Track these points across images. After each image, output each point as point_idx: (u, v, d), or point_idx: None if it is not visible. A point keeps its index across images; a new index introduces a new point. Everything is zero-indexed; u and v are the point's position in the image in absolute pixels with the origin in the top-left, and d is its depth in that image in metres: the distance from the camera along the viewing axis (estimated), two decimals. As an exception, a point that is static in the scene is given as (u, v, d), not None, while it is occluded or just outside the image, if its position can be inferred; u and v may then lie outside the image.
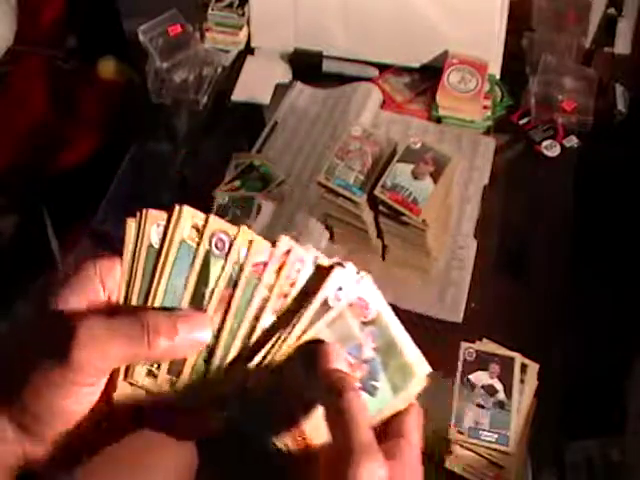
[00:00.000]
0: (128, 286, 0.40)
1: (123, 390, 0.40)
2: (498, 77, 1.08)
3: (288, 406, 0.42)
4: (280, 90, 1.11)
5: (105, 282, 0.39)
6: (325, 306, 0.40)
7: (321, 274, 0.41)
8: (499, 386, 0.72)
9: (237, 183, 0.96)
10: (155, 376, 0.40)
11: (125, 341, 0.37)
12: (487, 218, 0.94)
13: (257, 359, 0.40)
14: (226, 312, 0.40)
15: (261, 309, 0.41)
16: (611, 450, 0.76)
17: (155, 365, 0.40)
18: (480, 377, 0.73)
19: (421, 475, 0.40)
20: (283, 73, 1.13)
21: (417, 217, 0.78)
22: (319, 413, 0.41)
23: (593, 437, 0.77)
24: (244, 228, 0.41)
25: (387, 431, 0.41)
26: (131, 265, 0.40)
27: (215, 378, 0.41)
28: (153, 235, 0.39)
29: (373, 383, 0.42)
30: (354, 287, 0.41)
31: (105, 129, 1.13)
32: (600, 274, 0.88)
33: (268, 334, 0.41)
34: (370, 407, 0.41)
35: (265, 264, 0.41)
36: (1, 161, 1.11)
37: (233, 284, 0.40)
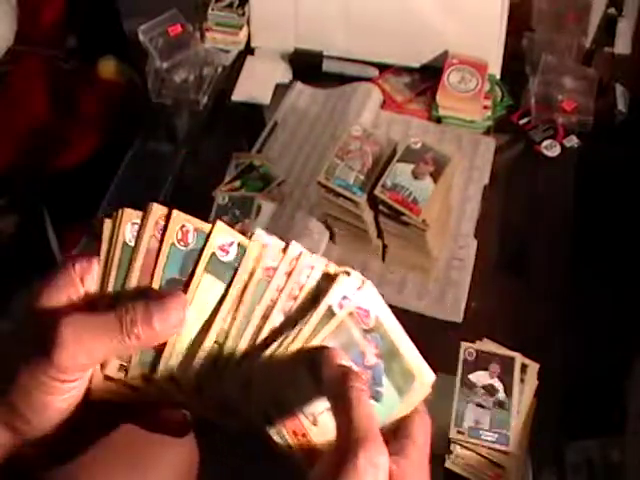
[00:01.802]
0: (103, 281, 0.40)
1: (99, 385, 0.41)
2: (498, 77, 1.07)
3: (292, 409, 0.42)
4: (280, 90, 1.11)
5: (84, 281, 0.40)
6: (329, 313, 0.41)
7: (328, 281, 0.41)
8: (499, 386, 0.72)
9: (237, 183, 0.96)
10: (126, 370, 0.40)
11: (106, 335, 0.38)
12: (487, 218, 0.94)
13: (262, 358, 0.41)
14: (235, 311, 0.41)
15: (269, 309, 0.41)
16: (611, 450, 0.76)
17: (127, 360, 0.40)
18: (480, 377, 0.74)
19: (427, 476, 0.40)
20: (283, 73, 1.13)
21: (417, 217, 0.78)
22: (325, 417, 0.41)
23: (593, 437, 0.77)
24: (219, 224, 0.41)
25: (395, 435, 0.41)
26: (106, 262, 0.40)
27: (219, 374, 0.41)
28: (127, 233, 0.40)
29: (377, 389, 0.42)
30: (356, 295, 0.41)
31: (105, 129, 1.13)
32: (600, 274, 0.88)
33: (275, 334, 0.41)
34: (377, 413, 0.41)
35: (275, 268, 0.41)
36: (1, 161, 1.11)
37: (243, 286, 0.41)
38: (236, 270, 0.41)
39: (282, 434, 0.42)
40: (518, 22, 1.08)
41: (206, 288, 0.40)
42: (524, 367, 0.74)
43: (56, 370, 0.37)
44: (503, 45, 1.06)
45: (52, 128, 1.13)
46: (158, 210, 0.40)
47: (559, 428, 0.77)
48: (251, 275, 0.41)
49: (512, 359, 0.74)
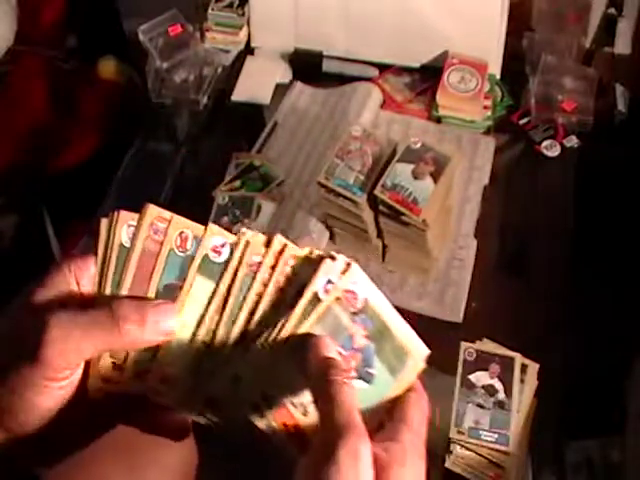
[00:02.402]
0: (100, 283, 0.41)
1: (95, 383, 0.41)
2: (498, 77, 1.08)
3: (282, 400, 0.42)
4: (280, 90, 1.11)
5: (79, 280, 0.40)
6: (315, 300, 0.41)
7: (313, 268, 0.41)
8: (499, 386, 0.72)
9: (237, 183, 0.96)
10: (121, 369, 0.41)
11: (95, 331, 0.38)
12: (487, 218, 0.94)
13: (251, 352, 0.41)
14: (223, 308, 0.41)
15: (256, 304, 0.41)
16: (611, 450, 0.76)
17: (121, 358, 0.41)
18: (480, 377, 0.73)
19: (423, 460, 0.39)
20: (283, 73, 1.13)
21: (417, 217, 0.78)
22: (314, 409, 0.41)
23: (593, 437, 0.77)
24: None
25: (389, 417, 0.41)
26: (102, 264, 0.41)
27: (210, 372, 0.41)
28: (124, 235, 0.40)
29: (368, 370, 0.42)
30: (341, 279, 0.41)
31: (105, 129, 1.13)
32: (600, 274, 0.88)
33: (263, 328, 0.41)
34: (369, 394, 0.41)
35: (260, 263, 0.41)
36: (1, 161, 1.11)
37: (228, 283, 0.41)
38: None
39: (273, 427, 0.42)
40: (518, 22, 1.08)
41: (199, 290, 0.41)
42: (524, 367, 0.74)
43: (45, 369, 0.37)
44: (503, 45, 1.06)
45: (52, 128, 1.13)
46: (154, 211, 0.40)
47: (559, 428, 0.77)
48: (236, 272, 0.41)
49: (512, 359, 0.74)
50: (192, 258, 0.40)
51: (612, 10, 1.12)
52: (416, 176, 0.79)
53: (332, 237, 0.92)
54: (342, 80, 1.10)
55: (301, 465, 0.38)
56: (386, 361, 0.42)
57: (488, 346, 0.76)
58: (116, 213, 0.41)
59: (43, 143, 1.12)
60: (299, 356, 0.40)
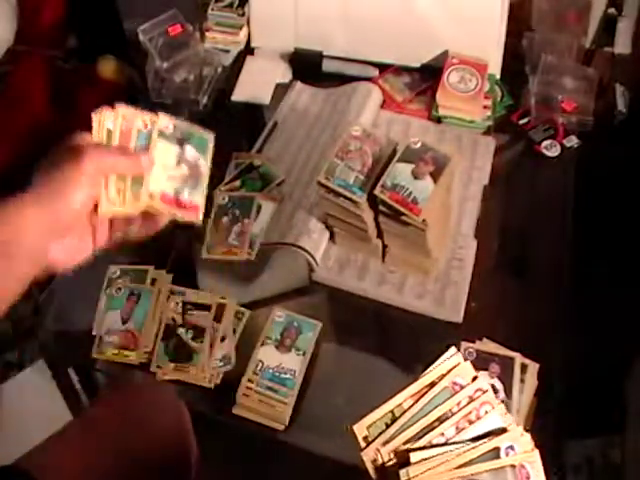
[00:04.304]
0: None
1: (105, 205, 0.57)
2: (498, 77, 1.08)
3: None
4: (280, 90, 1.11)
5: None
6: (494, 454, 0.50)
7: (502, 429, 0.51)
8: (499, 386, 0.72)
9: (237, 183, 0.96)
10: (122, 194, 0.58)
11: (119, 154, 0.58)
12: (487, 218, 0.94)
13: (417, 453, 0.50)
14: (417, 400, 0.52)
15: (445, 416, 0.51)
16: (611, 450, 0.76)
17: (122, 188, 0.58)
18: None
19: None
20: (283, 73, 1.13)
21: (417, 217, 0.78)
22: None
23: (593, 437, 0.77)
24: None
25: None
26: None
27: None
28: (108, 123, 0.59)
29: None
30: (524, 453, 0.51)
31: (105, 129, 1.12)
32: (600, 274, 0.88)
33: (439, 437, 0.51)
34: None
35: (462, 387, 0.51)
36: (1, 161, 1.11)
37: None
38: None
39: None
40: (518, 22, 1.08)
41: (161, 148, 0.60)
42: (524, 367, 0.74)
43: (82, 169, 0.54)
44: (503, 45, 1.06)
45: (52, 128, 1.13)
46: (123, 109, 0.59)
47: (559, 428, 0.77)
48: (439, 380, 0.51)
49: (512, 359, 0.74)
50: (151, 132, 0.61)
51: (612, 10, 1.12)
52: (416, 176, 0.79)
53: (332, 237, 0.92)
54: (342, 80, 1.10)
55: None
56: None
57: (488, 346, 0.76)
58: (103, 110, 0.59)
59: (43, 143, 1.12)
60: None
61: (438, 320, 0.85)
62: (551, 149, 1.01)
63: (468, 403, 0.51)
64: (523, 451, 0.50)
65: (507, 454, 0.50)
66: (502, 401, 0.72)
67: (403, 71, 1.11)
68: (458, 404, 0.51)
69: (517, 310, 0.86)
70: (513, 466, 0.49)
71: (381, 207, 0.81)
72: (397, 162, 0.80)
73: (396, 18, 1.07)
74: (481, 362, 0.74)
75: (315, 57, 1.12)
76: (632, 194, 0.94)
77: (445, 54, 1.06)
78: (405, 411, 0.51)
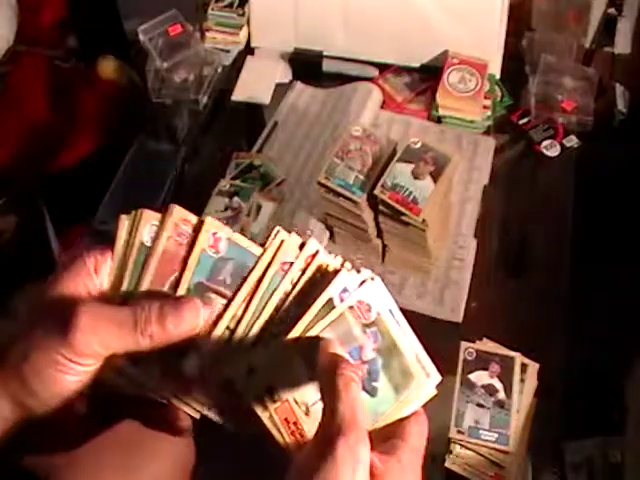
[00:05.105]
0: (116, 280, 0.41)
1: (108, 376, 0.42)
2: (498, 77, 1.07)
3: (286, 397, 0.42)
4: (280, 90, 1.11)
5: (97, 272, 0.41)
6: (329, 305, 0.42)
7: (333, 276, 0.43)
8: (499, 386, 0.72)
9: (237, 183, 0.96)
10: (137, 364, 0.42)
11: (120, 329, 0.39)
12: (487, 218, 0.94)
13: (267, 346, 0.42)
14: (250, 299, 0.42)
15: (282, 301, 0.43)
16: (611, 450, 0.76)
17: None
18: (480, 377, 0.74)
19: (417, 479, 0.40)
20: (283, 73, 1.13)
21: (417, 217, 0.78)
22: (317, 408, 0.41)
23: (593, 437, 0.77)
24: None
25: (388, 435, 0.41)
26: (120, 261, 0.41)
27: (227, 358, 0.42)
28: (145, 234, 0.41)
29: (373, 384, 0.42)
30: (357, 290, 0.42)
31: (105, 129, 1.13)
32: (600, 274, 0.88)
33: (283, 325, 0.42)
34: (371, 407, 0.42)
35: (291, 263, 0.43)
36: (1, 160, 1.11)
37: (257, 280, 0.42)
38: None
39: (275, 422, 0.42)
40: (518, 22, 1.08)
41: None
42: (524, 367, 0.74)
43: (70, 351, 0.38)
44: (503, 45, 1.06)
45: (52, 128, 1.13)
46: (179, 213, 0.41)
47: (559, 428, 0.77)
48: (267, 267, 0.42)
49: (512, 359, 0.74)
50: (230, 262, 0.42)
51: (612, 10, 1.12)
52: (416, 176, 0.79)
53: (332, 237, 0.92)
54: (342, 80, 1.10)
55: (298, 459, 0.38)
56: (392, 378, 0.42)
57: (488, 346, 0.76)
58: (139, 211, 0.41)
59: (43, 143, 1.12)
60: (308, 354, 0.41)
61: (438, 320, 0.85)
62: (551, 149, 1.01)
63: (301, 277, 0.43)
64: (358, 283, 0.42)
65: (342, 300, 0.42)
66: (501, 400, 0.72)
67: (403, 71, 1.11)
68: (291, 282, 0.43)
69: (517, 310, 0.86)
70: (351, 308, 0.42)
71: (381, 207, 0.81)
72: (397, 162, 0.80)
73: (396, 18, 1.07)
74: (481, 362, 0.74)
75: (315, 57, 1.12)
76: (632, 194, 0.94)
77: (445, 54, 1.06)
78: (241, 318, 0.42)
